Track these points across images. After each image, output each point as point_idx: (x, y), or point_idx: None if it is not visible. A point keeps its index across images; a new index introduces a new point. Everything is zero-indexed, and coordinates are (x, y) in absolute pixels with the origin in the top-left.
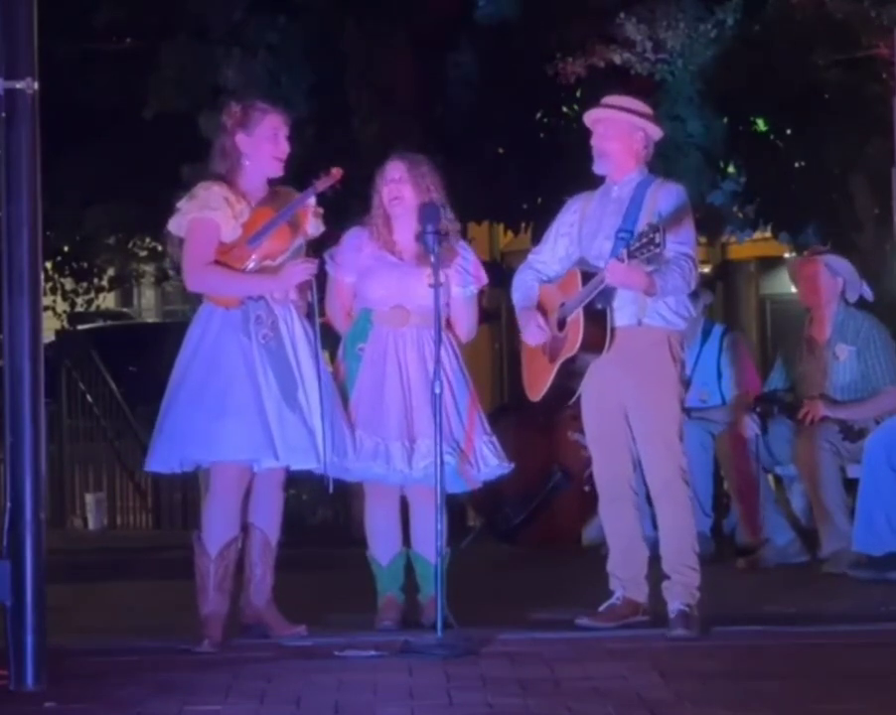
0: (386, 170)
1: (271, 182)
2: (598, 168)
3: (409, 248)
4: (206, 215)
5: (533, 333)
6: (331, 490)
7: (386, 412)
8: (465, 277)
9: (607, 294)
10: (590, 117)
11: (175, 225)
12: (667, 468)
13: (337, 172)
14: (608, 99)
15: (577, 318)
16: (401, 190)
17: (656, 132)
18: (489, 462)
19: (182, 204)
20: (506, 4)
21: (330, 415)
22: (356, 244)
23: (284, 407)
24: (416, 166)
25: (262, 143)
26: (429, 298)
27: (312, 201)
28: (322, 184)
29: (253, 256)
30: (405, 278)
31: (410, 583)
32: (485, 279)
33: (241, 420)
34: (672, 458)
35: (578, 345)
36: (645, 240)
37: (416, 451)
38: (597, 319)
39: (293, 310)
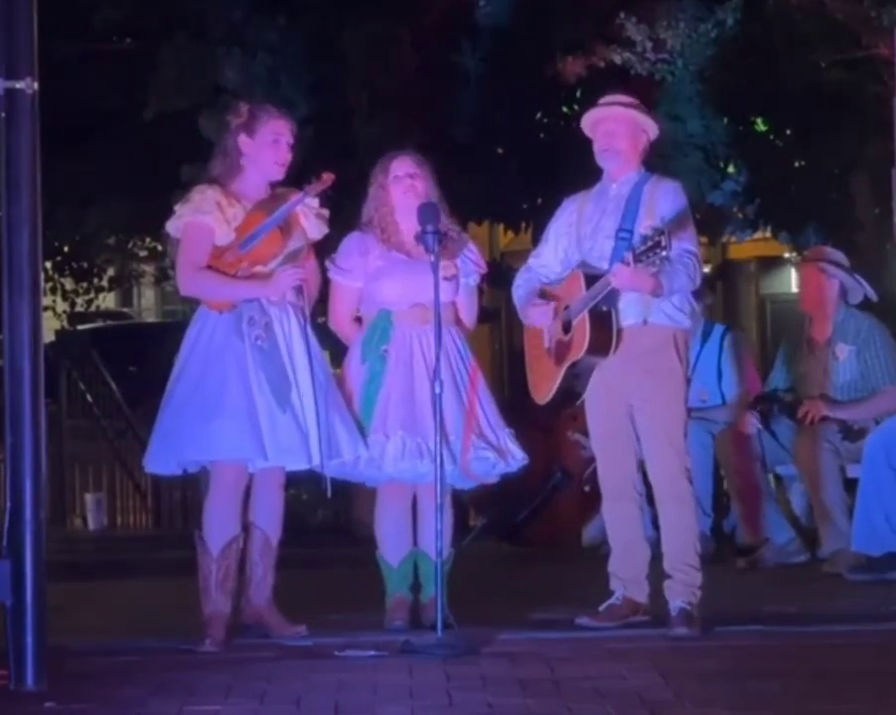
0: (394, 166)
1: (272, 184)
2: (603, 162)
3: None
4: (199, 219)
5: (537, 315)
6: (329, 494)
7: (421, 412)
8: (468, 266)
9: (612, 296)
10: (592, 117)
11: (172, 227)
12: (671, 466)
13: (328, 177)
14: (609, 98)
15: (583, 321)
16: (416, 184)
17: (654, 131)
18: (516, 455)
19: (178, 206)
20: (507, 4)
21: (338, 414)
22: (361, 249)
23: (275, 408)
24: (423, 163)
25: (263, 147)
26: (443, 292)
27: (315, 203)
28: (313, 189)
29: (244, 261)
30: (418, 275)
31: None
32: (485, 267)
33: (234, 420)
34: (676, 457)
35: (585, 348)
36: (651, 244)
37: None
38: (603, 321)
39: (290, 311)
